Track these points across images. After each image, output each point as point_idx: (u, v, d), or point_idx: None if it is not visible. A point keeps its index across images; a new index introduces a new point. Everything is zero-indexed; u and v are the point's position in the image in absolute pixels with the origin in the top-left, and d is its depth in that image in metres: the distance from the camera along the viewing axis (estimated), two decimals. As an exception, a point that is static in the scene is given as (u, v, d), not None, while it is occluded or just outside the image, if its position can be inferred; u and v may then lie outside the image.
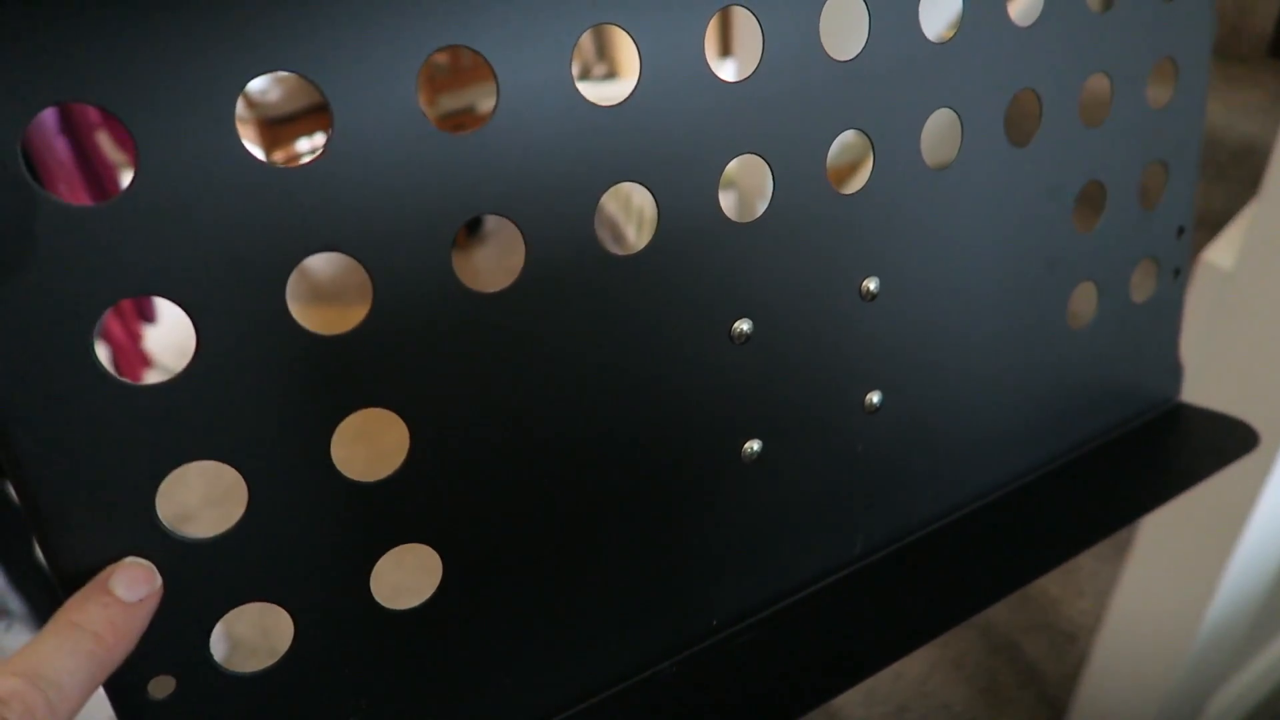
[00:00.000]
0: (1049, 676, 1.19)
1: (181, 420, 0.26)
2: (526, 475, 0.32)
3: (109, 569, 0.26)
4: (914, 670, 1.28)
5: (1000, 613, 1.25)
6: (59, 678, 0.23)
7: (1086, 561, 1.18)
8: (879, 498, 0.41)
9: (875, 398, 0.39)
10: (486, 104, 2.48)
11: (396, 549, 0.31)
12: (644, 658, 0.37)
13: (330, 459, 0.28)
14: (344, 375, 0.28)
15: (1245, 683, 1.16)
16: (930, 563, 0.42)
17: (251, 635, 1.60)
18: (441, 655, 0.32)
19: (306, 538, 0.29)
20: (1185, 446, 0.50)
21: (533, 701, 0.35)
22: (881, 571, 0.42)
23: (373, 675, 0.31)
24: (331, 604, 0.30)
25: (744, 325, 0.35)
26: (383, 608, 0.30)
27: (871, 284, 0.38)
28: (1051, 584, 1.16)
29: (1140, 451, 0.50)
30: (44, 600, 1.42)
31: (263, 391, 0.27)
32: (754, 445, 0.36)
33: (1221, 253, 0.89)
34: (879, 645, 0.38)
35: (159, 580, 0.26)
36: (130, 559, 0.26)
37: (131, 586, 0.25)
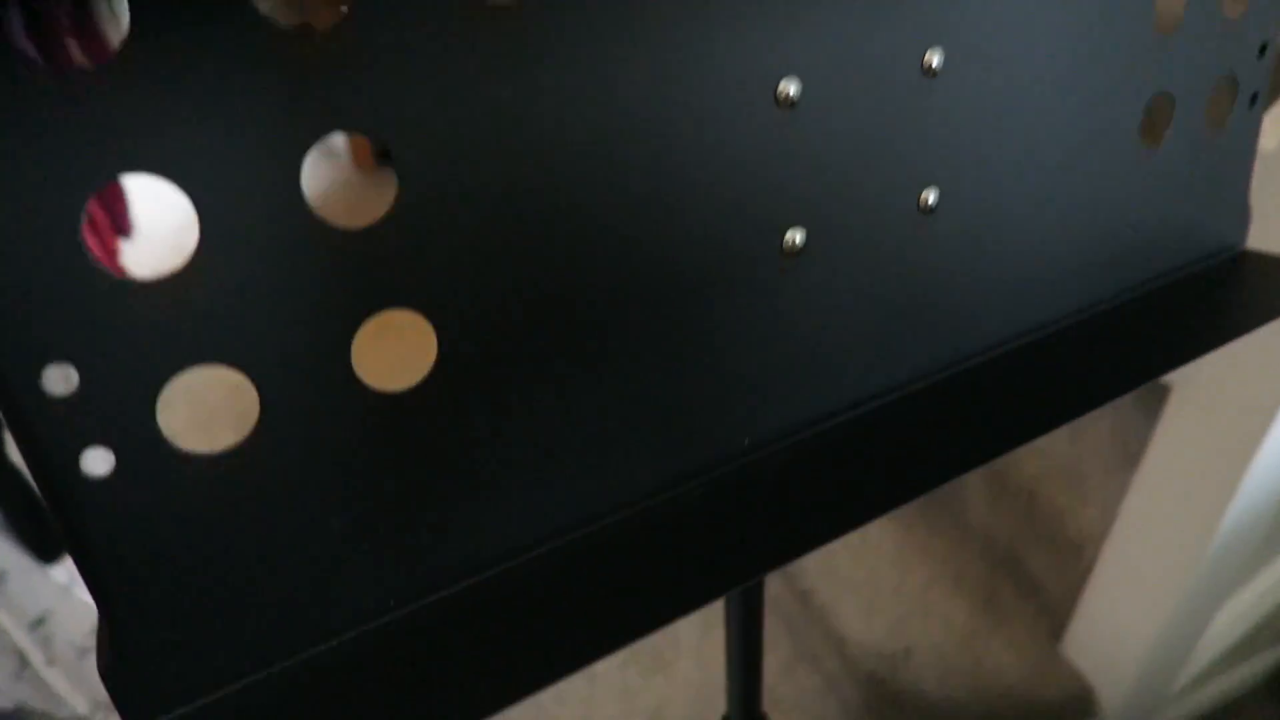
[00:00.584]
0: (1051, 590, 1.17)
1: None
2: (531, 236, 0.27)
3: None
4: (913, 583, 1.26)
5: (1003, 525, 1.23)
6: None
7: (1094, 471, 1.15)
8: (928, 318, 0.37)
9: (931, 196, 0.34)
10: None
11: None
12: (667, 476, 0.32)
13: (302, 192, 0.23)
14: (317, 92, 0.23)
15: (1253, 596, 1.14)
16: (978, 394, 0.38)
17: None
18: (433, 452, 0.28)
19: (274, 286, 0.24)
20: (1251, 290, 0.46)
21: (536, 518, 0.30)
22: (926, 400, 0.37)
23: (355, 470, 0.26)
24: (305, 374, 0.25)
25: (791, 87, 0.30)
26: (367, 387, 0.26)
27: (934, 58, 0.32)
28: (1058, 494, 1.13)
29: (1204, 292, 0.45)
30: (18, 503, 1.37)
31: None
32: (797, 236, 0.32)
33: (1265, 135, 0.84)
34: (917, 475, 0.34)
35: None
36: None
37: None
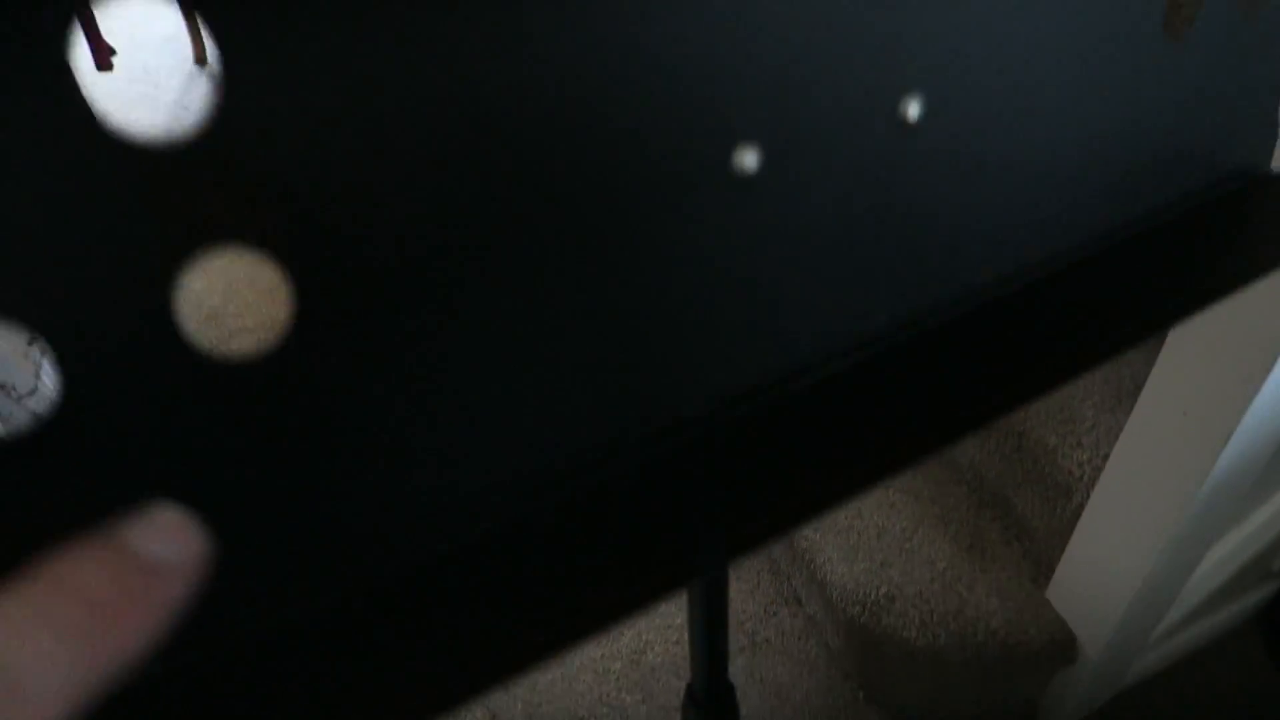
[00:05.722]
0: (1038, 533, 1.14)
1: None
2: (407, 132, 0.21)
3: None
4: (898, 526, 1.23)
5: (991, 466, 1.19)
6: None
7: (1086, 412, 1.11)
8: (908, 256, 0.32)
9: (913, 109, 0.29)
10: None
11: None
12: (585, 455, 0.27)
13: (76, 82, 0.18)
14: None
15: (1239, 540, 1.11)
16: (967, 347, 0.33)
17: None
18: (292, 436, 0.22)
19: (63, 201, 0.18)
20: (1274, 223, 0.41)
21: (450, 504, 0.25)
22: (903, 356, 0.32)
23: (188, 449, 0.21)
24: (114, 335, 0.20)
25: (737, -31, 0.24)
26: (200, 349, 0.21)
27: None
28: (1049, 434, 1.10)
29: (1222, 225, 0.40)
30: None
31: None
32: (749, 157, 0.26)
33: None
34: (899, 443, 0.29)
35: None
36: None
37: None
